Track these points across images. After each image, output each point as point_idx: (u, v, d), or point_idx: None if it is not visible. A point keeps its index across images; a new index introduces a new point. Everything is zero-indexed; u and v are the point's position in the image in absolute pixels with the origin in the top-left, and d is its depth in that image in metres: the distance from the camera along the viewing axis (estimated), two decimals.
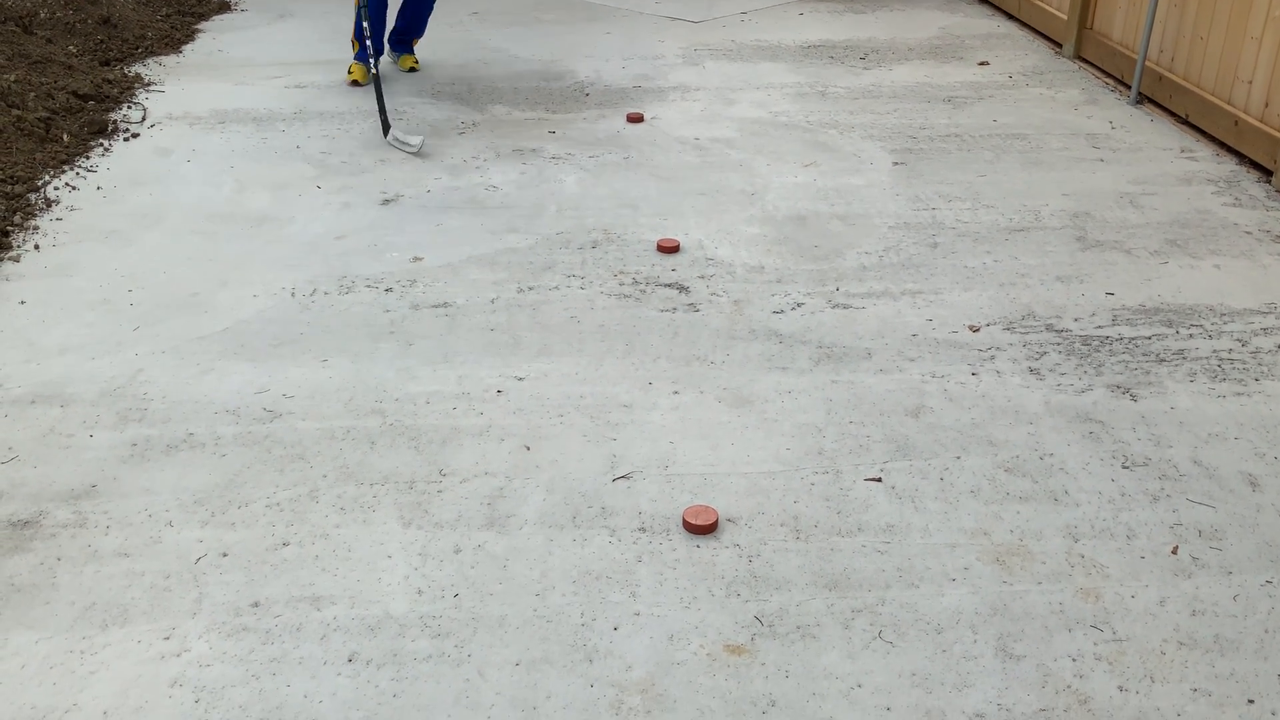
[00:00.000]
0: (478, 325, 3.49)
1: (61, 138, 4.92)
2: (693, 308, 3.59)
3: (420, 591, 2.40)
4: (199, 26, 7.14)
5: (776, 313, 3.55)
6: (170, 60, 6.36)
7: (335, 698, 2.14)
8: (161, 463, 2.83)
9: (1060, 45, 6.51)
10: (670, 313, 3.56)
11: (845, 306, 3.59)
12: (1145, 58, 5.45)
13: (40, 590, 2.41)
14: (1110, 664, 2.20)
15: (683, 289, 3.71)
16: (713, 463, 2.83)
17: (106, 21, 6.55)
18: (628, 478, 2.77)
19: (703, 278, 3.79)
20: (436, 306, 3.60)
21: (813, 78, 6.05)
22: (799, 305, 3.60)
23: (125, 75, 5.93)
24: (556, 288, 3.72)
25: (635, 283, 3.75)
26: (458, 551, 2.52)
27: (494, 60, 6.39)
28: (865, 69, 6.22)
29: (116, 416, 3.02)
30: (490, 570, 2.46)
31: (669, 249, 3.97)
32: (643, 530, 2.59)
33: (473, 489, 2.73)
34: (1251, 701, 2.12)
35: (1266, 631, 2.28)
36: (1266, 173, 4.58)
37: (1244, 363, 3.24)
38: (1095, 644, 2.25)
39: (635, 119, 5.37)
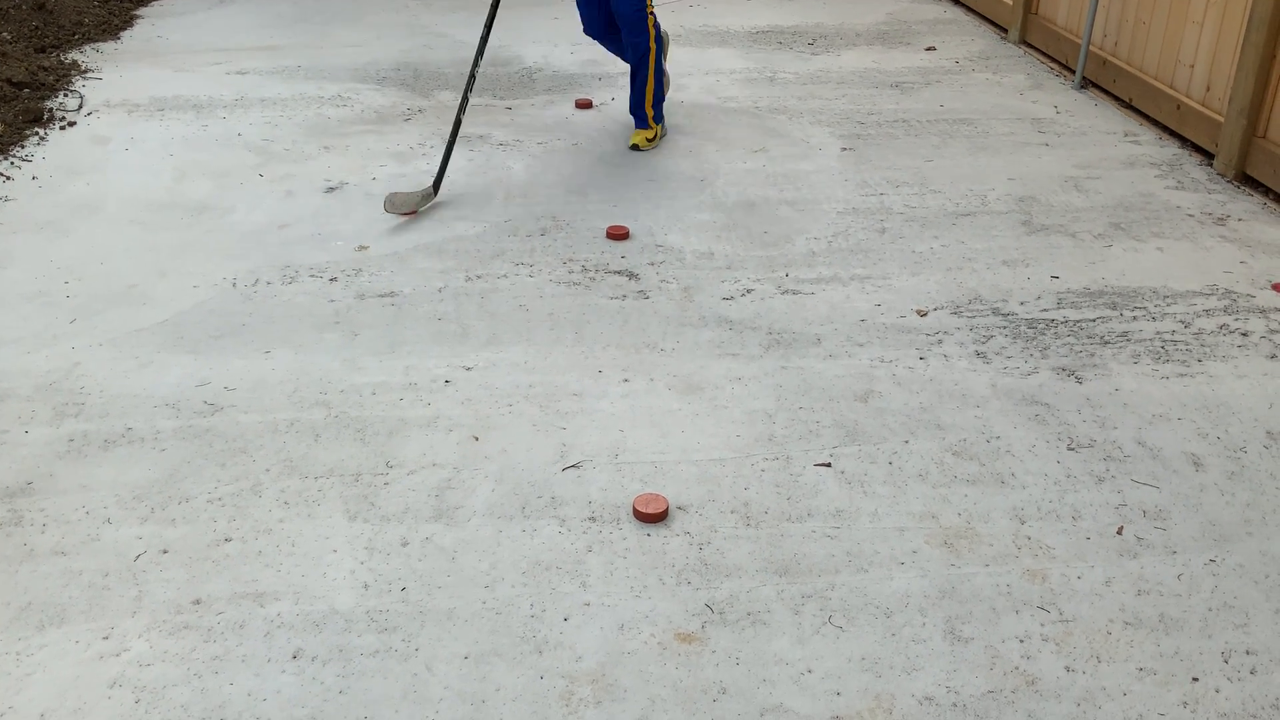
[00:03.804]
0: (425, 314, 3.44)
1: None
2: (642, 295, 3.57)
3: (367, 586, 2.37)
4: (138, 12, 7.00)
5: (726, 299, 3.54)
6: (108, 47, 6.23)
7: (280, 695, 2.10)
8: (99, 458, 2.76)
9: (1006, 30, 6.55)
10: (620, 300, 3.53)
11: (795, 292, 3.58)
12: (1089, 42, 5.50)
13: None
14: (1057, 645, 2.22)
15: (632, 276, 3.69)
16: (663, 450, 2.81)
17: (41, 7, 6.40)
18: (577, 467, 2.75)
19: (652, 264, 3.77)
20: (383, 296, 3.55)
21: (761, 63, 6.04)
22: (749, 291, 3.59)
23: (61, 62, 5.79)
24: (505, 276, 3.68)
25: (584, 270, 3.72)
26: (405, 544, 2.49)
27: (439, 45, 6.32)
28: (813, 54, 6.22)
29: (53, 411, 2.95)
30: (438, 563, 2.43)
31: (618, 236, 3.95)
32: (593, 519, 2.57)
33: (420, 480, 2.70)
34: (1196, 679, 2.14)
35: (1210, 610, 2.31)
36: (1208, 156, 4.64)
37: (1186, 344, 3.28)
38: (1042, 625, 2.27)
39: (584, 105, 5.33)
